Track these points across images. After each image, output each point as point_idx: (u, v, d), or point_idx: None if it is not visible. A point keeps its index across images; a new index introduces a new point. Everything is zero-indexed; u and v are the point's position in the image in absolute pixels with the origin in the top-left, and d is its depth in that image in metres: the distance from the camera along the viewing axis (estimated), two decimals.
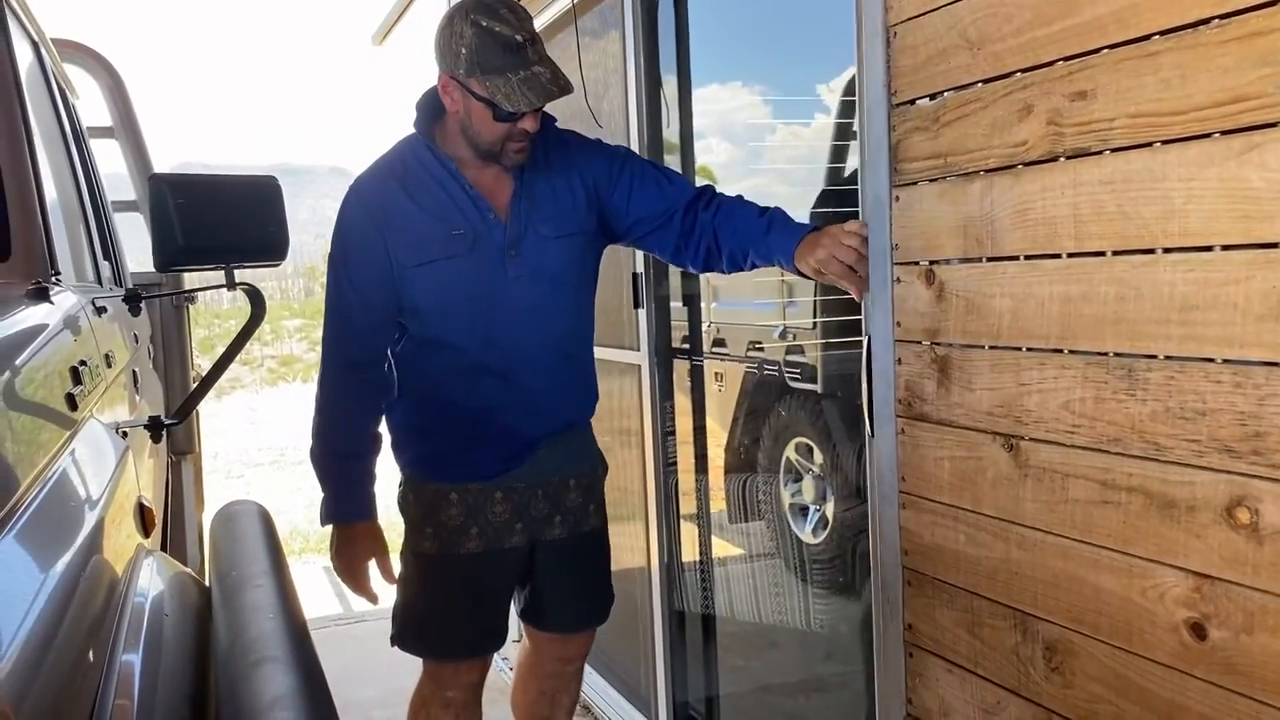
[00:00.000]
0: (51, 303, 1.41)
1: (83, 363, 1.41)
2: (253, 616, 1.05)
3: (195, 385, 2.57)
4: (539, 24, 2.77)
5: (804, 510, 4.42)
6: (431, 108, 2.08)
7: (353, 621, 4.52)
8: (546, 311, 2.11)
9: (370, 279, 2.04)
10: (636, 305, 2.99)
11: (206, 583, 1.48)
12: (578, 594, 2.32)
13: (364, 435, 2.10)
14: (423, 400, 2.14)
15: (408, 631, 2.19)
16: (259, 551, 1.29)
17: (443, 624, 2.16)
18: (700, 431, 3.12)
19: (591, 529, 2.28)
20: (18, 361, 1.16)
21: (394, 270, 2.02)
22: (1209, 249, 1.20)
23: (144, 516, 1.38)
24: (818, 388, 4.26)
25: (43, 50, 2.42)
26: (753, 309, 4.93)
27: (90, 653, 0.86)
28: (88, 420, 1.33)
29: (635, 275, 2.97)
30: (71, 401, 1.24)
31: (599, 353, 3.22)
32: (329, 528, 2.14)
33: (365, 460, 2.11)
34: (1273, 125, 1.11)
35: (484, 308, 2.06)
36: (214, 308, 20.15)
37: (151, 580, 1.17)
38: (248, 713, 0.84)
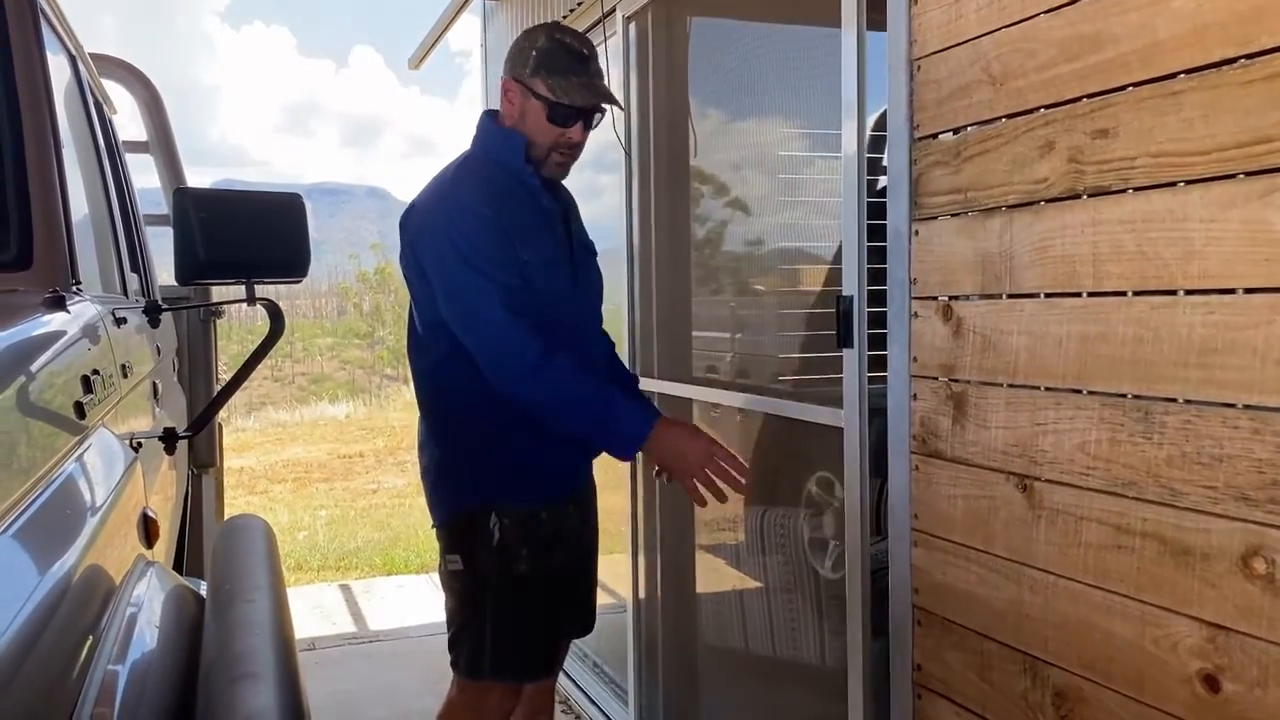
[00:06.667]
0: (68, 312, 1.42)
1: (95, 372, 1.41)
2: (239, 631, 1.04)
3: (211, 399, 2.58)
4: None
5: (824, 545, 4.36)
6: (490, 130, 2.17)
7: (366, 641, 4.51)
8: (595, 323, 2.31)
9: (510, 264, 2.03)
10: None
11: None
12: (588, 600, 2.39)
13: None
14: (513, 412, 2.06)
15: (501, 659, 2.13)
16: (257, 567, 1.28)
17: (534, 642, 2.17)
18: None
19: (595, 535, 2.41)
20: (31, 368, 1.17)
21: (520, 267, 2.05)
22: (1230, 291, 1.18)
23: (148, 528, 1.38)
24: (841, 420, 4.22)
25: (79, 64, 2.46)
26: (775, 340, 4.90)
27: (74, 659, 0.86)
28: (96, 429, 1.34)
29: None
30: (80, 410, 1.25)
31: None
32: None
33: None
34: None
35: (567, 312, 2.16)
36: (248, 323, 20.33)
37: (148, 591, 1.17)
38: None
